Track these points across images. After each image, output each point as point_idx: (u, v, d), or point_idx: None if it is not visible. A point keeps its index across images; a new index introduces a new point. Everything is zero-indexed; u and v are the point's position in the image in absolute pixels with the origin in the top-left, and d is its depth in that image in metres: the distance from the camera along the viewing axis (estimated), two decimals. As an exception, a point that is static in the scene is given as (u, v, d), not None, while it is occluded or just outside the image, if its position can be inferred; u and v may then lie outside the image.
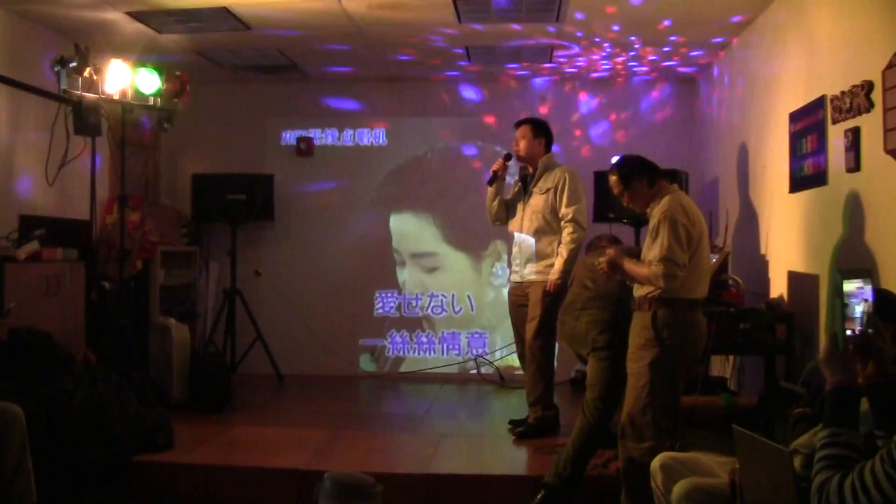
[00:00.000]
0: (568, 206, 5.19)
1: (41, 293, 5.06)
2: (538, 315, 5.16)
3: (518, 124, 5.53)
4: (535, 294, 5.22)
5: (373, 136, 7.71)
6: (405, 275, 7.76)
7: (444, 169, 7.68)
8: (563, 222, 5.21)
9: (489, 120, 7.67)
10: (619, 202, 4.09)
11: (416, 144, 7.72)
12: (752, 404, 4.17)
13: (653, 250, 3.72)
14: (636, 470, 3.62)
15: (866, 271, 2.24)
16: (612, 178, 3.99)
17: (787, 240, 4.86)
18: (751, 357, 5.26)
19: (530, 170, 5.43)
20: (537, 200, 5.31)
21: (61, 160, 5.51)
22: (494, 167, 5.48)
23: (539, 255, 5.29)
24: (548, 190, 5.28)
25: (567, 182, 5.23)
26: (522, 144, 5.40)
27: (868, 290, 2.20)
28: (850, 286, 2.18)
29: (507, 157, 5.50)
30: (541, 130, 5.45)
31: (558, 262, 5.15)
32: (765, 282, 5.16)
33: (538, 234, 5.30)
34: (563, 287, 5.03)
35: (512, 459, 5.09)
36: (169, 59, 6.38)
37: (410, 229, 7.75)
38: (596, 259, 4.02)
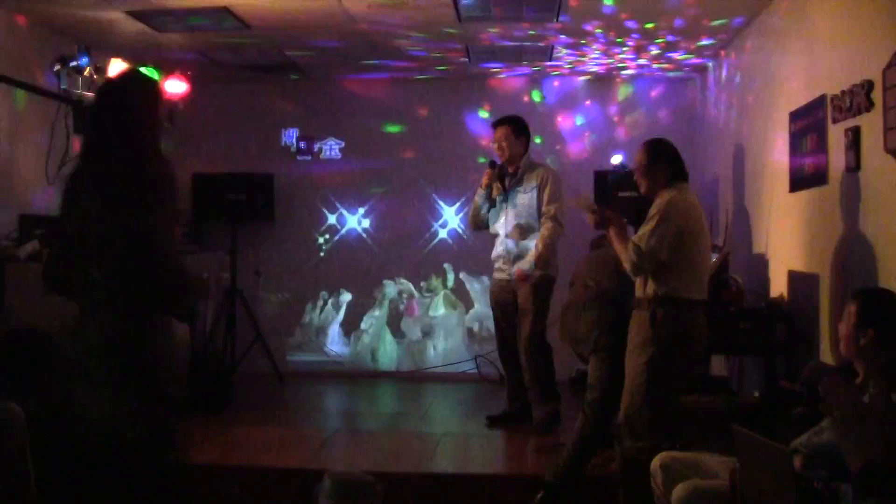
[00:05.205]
0: (549, 203, 5.28)
1: (41, 293, 5.04)
2: (531, 310, 5.20)
3: (497, 124, 5.48)
4: (526, 290, 5.26)
5: (372, 134, 7.70)
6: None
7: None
8: (543, 218, 5.28)
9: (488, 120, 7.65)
10: (632, 173, 4.08)
11: (415, 143, 7.71)
12: (752, 404, 4.16)
13: (637, 235, 3.75)
14: (633, 469, 3.61)
15: None
16: (640, 153, 3.94)
17: (787, 240, 4.86)
18: (751, 357, 5.26)
19: (510, 169, 5.43)
20: (523, 199, 5.36)
21: (61, 160, 5.51)
22: (486, 180, 5.42)
23: (528, 253, 5.32)
24: (533, 188, 5.35)
25: (550, 180, 5.33)
26: (505, 146, 5.39)
27: None
28: None
29: (492, 165, 5.43)
30: (521, 130, 5.44)
31: (533, 255, 5.23)
32: (765, 282, 5.16)
33: (526, 232, 5.35)
34: (544, 278, 5.20)
35: (512, 459, 5.10)
36: (169, 59, 6.37)
37: None
38: (598, 256, 4.00)
